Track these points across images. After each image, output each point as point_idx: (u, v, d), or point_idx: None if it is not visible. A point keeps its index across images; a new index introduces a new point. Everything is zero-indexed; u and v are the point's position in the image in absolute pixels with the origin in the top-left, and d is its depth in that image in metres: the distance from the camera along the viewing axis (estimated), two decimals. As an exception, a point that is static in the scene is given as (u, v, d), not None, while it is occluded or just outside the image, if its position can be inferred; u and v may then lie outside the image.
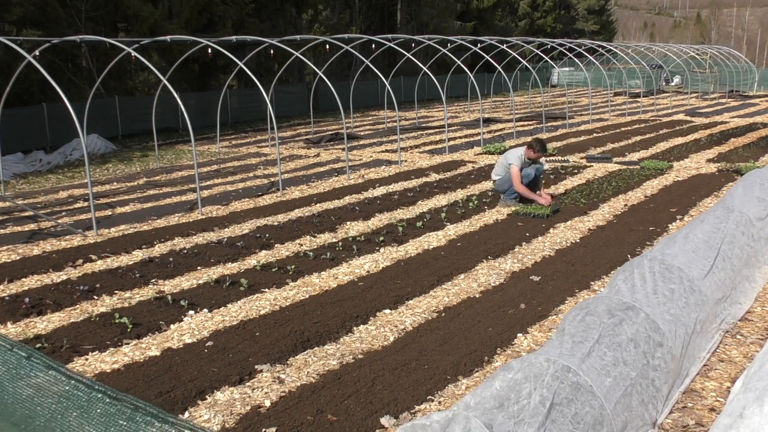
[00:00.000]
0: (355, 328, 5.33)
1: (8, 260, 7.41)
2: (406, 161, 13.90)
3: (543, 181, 9.62)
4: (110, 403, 1.97)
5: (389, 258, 7.18)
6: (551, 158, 13.79)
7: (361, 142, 17.20)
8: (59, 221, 8.97)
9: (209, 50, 13.52)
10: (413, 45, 22.25)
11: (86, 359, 4.84)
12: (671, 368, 3.85)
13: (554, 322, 5.33)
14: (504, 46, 21.46)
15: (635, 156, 13.91)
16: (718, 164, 12.64)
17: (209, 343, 5.05)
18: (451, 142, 16.31)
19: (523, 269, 6.73)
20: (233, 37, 14.77)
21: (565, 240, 7.75)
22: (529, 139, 17.02)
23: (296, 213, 9.45)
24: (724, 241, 5.27)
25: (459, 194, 10.47)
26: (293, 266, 6.83)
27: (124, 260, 7.34)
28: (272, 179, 12.13)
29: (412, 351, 4.86)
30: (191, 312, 5.71)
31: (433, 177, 12.02)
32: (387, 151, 15.55)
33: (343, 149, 15.29)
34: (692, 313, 4.28)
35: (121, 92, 21.15)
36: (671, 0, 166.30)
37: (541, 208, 8.83)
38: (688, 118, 21.93)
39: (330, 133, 18.78)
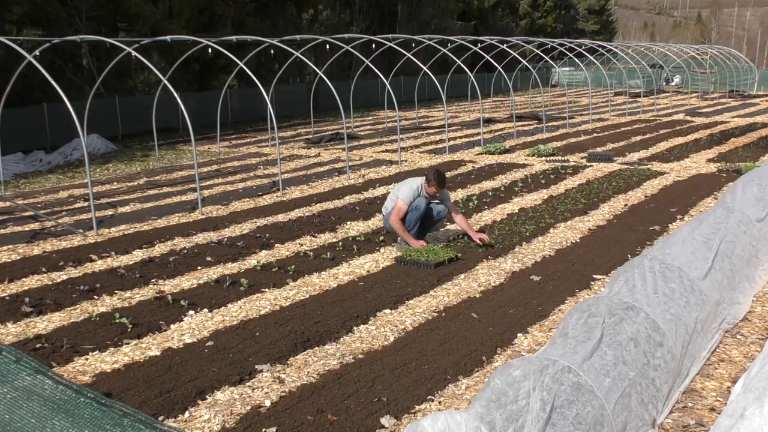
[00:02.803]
0: (355, 327, 5.33)
1: (8, 260, 7.41)
2: (406, 161, 13.90)
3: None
4: (98, 407, 1.97)
5: (389, 258, 7.18)
6: (551, 158, 13.79)
7: (362, 142, 17.20)
8: (59, 221, 8.97)
9: (209, 50, 13.51)
10: (413, 45, 22.24)
11: (86, 359, 4.84)
12: (671, 368, 3.85)
13: (554, 322, 5.33)
14: (504, 46, 21.46)
15: (635, 156, 13.91)
16: (718, 164, 12.64)
17: (209, 343, 5.05)
18: (452, 142, 16.30)
19: (524, 269, 6.73)
20: (233, 37, 14.76)
21: (566, 240, 7.75)
22: (529, 139, 17.16)
23: (296, 213, 9.45)
24: (725, 240, 5.27)
25: (459, 194, 10.47)
26: (293, 266, 6.83)
27: (124, 260, 7.34)
28: (272, 179, 12.13)
29: (412, 351, 4.86)
30: (191, 312, 5.71)
31: (434, 177, 12.01)
32: (387, 151, 15.55)
33: (343, 149, 15.29)
34: (693, 313, 4.28)
35: (122, 92, 21.15)
36: (671, 0, 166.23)
37: (429, 253, 6.96)
38: (689, 117, 21.93)
39: (330, 133, 18.77)
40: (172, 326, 5.43)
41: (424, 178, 7.36)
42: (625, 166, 12.64)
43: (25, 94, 17.25)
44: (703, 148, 14.79)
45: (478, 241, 7.31)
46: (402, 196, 7.26)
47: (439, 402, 4.15)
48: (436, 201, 7.52)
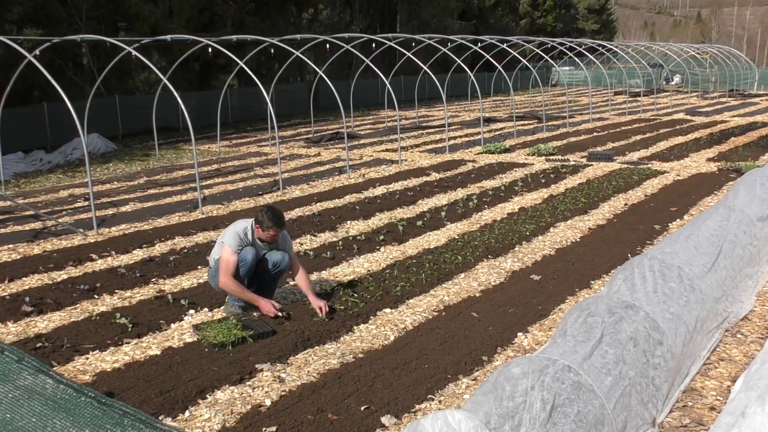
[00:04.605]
0: (355, 327, 5.33)
1: (9, 259, 7.41)
2: (406, 160, 13.90)
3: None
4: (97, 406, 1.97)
5: (390, 257, 7.18)
6: (551, 157, 13.79)
7: (362, 141, 17.20)
8: (60, 220, 8.97)
9: (210, 49, 13.51)
10: (413, 44, 22.23)
11: (87, 358, 4.84)
12: (671, 367, 3.85)
13: (555, 321, 5.34)
14: (504, 45, 21.44)
15: (636, 155, 13.92)
16: (718, 163, 12.64)
17: (210, 342, 5.05)
18: (452, 142, 16.30)
19: (524, 268, 6.73)
20: (233, 37, 14.75)
21: (566, 239, 7.75)
22: (529, 138, 17.15)
23: (296, 212, 9.45)
24: (725, 240, 5.27)
25: (459, 193, 10.47)
26: (294, 265, 6.82)
27: (124, 259, 7.34)
28: (273, 178, 12.12)
29: (412, 350, 4.86)
30: (192, 311, 5.72)
31: (434, 176, 12.02)
32: (387, 150, 15.55)
33: (343, 148, 15.29)
34: (693, 312, 4.28)
35: (122, 91, 21.14)
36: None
37: (234, 329, 5.11)
38: (689, 117, 21.93)
39: (330, 132, 18.77)
40: (172, 325, 5.43)
41: (252, 219, 5.57)
42: (625, 166, 12.64)
43: (25, 93, 17.25)
44: (703, 148, 14.79)
45: (317, 310, 5.46)
46: (227, 241, 5.46)
47: (440, 401, 4.15)
48: (274, 248, 5.62)
